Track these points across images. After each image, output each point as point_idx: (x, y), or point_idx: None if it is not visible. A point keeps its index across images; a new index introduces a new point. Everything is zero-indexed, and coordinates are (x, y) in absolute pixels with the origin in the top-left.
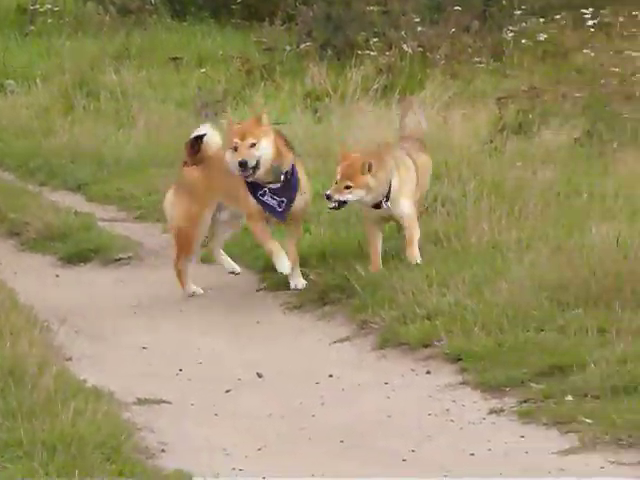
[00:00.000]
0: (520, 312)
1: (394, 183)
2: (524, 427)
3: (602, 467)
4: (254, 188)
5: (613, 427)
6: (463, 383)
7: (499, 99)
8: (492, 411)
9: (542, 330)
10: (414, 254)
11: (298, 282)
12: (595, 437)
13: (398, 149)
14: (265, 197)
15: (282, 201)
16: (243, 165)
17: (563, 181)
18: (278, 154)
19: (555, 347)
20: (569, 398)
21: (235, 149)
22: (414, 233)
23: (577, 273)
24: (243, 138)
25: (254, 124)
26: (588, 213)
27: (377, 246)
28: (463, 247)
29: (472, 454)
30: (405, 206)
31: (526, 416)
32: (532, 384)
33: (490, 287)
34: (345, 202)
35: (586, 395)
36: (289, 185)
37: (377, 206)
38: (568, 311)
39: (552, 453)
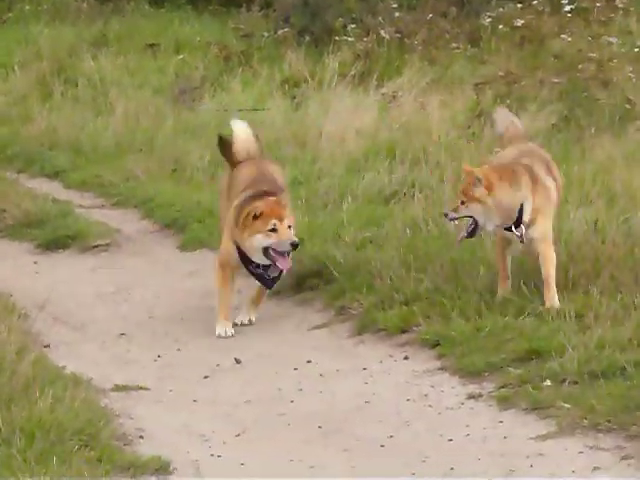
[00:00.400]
0: (498, 297)
1: (526, 207)
2: (502, 412)
3: (580, 452)
4: (248, 260)
5: (591, 412)
6: (441, 368)
7: (476, 85)
8: (470, 396)
9: (520, 315)
10: (551, 297)
11: (245, 318)
12: (573, 422)
13: (538, 164)
14: (257, 269)
15: (269, 276)
16: (296, 246)
17: None
18: None
19: (533, 332)
20: (547, 383)
21: (274, 230)
22: (550, 266)
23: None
24: (281, 220)
25: (283, 205)
26: (566, 198)
27: (505, 263)
28: (441, 233)
29: (450, 439)
30: (539, 231)
31: (504, 401)
32: (510, 369)
33: (468, 272)
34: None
35: (564, 380)
36: None
37: (509, 229)
38: None
39: (530, 438)
